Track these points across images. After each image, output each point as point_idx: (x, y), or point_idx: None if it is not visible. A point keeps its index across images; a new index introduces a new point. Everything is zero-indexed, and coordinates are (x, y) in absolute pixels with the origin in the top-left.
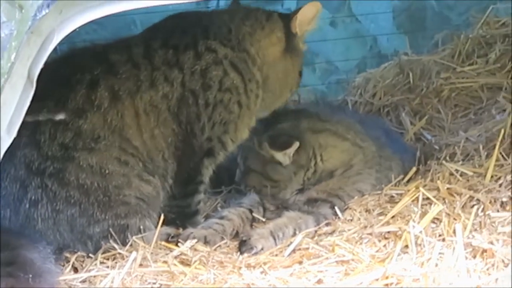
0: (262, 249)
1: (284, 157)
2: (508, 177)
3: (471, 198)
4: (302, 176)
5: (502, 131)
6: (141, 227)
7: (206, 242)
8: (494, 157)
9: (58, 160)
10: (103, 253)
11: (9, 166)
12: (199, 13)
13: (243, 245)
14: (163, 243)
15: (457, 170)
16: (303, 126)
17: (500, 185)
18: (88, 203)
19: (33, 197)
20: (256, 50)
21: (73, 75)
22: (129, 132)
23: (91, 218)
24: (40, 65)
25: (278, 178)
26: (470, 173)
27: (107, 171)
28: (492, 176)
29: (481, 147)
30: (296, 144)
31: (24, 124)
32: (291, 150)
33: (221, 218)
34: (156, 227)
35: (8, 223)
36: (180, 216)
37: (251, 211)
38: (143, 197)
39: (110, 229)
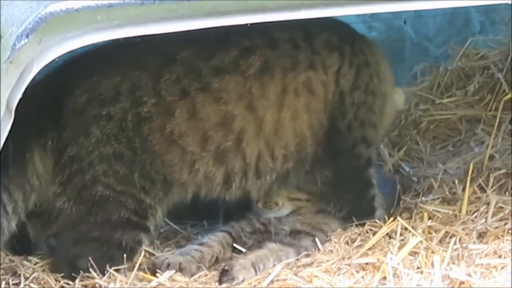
0: (243, 280)
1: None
2: (485, 209)
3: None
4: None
5: (476, 164)
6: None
7: (180, 268)
8: (467, 191)
9: None
10: (81, 280)
11: None
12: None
13: (224, 275)
14: (141, 273)
15: (435, 210)
16: None
17: (476, 217)
18: None
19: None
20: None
21: (231, 37)
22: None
23: None
24: (19, 95)
25: None
26: (447, 211)
27: None
28: (469, 211)
29: (456, 181)
30: None
31: None
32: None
33: (201, 244)
34: None
35: None
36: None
37: (231, 235)
38: None
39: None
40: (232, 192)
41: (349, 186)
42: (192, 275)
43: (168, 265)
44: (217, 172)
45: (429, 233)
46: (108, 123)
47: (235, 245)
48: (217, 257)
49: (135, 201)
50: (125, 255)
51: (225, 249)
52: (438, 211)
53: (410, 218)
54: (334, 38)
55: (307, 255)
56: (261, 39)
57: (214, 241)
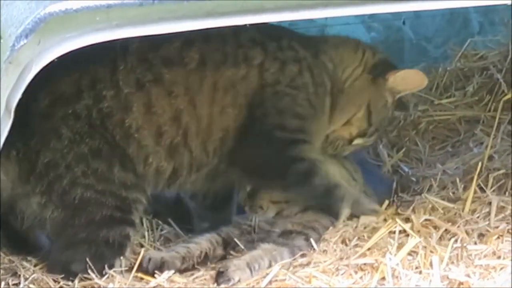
0: (239, 280)
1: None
2: (485, 209)
3: (448, 230)
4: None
5: (480, 163)
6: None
7: (162, 263)
8: (472, 188)
9: None
10: (80, 281)
11: None
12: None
13: (220, 277)
14: (139, 274)
15: (437, 203)
16: None
17: (478, 217)
18: None
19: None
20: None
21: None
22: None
23: None
24: (18, 95)
25: None
26: (450, 205)
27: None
28: (469, 210)
29: (457, 180)
30: None
31: None
32: None
33: (188, 242)
34: None
35: None
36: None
37: (220, 235)
38: None
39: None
40: (175, 187)
41: (277, 167)
42: (178, 270)
43: (150, 259)
44: (168, 166)
45: (426, 227)
46: (76, 122)
47: (235, 239)
48: (206, 254)
49: (115, 198)
50: (115, 252)
51: (214, 247)
52: (439, 203)
53: (410, 212)
54: (258, 35)
55: (303, 255)
56: (197, 32)
57: (201, 239)
